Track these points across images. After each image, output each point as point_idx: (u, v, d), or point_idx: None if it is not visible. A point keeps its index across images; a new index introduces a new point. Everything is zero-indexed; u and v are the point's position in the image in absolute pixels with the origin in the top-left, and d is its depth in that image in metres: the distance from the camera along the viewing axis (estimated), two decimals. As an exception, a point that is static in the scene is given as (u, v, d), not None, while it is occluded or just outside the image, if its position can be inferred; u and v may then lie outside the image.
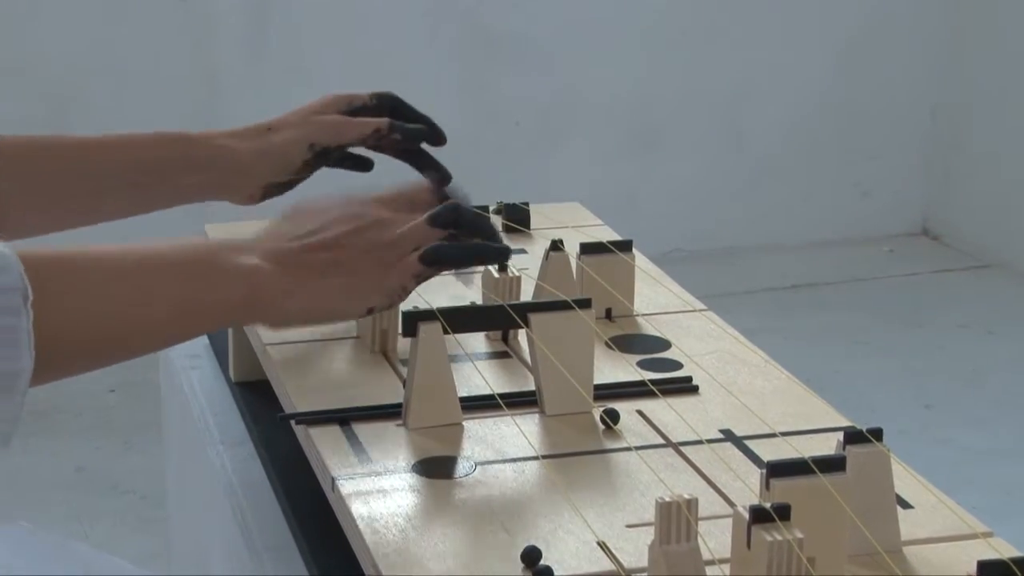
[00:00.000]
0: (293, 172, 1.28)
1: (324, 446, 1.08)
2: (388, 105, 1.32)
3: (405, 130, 1.29)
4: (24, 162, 1.21)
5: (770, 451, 1.07)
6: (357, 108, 1.31)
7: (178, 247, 1.04)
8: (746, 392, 1.18)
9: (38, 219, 1.24)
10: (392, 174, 1.26)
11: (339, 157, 1.31)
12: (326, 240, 1.07)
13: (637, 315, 1.32)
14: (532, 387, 1.15)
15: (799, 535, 0.86)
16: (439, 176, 1.29)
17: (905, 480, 1.01)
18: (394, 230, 1.09)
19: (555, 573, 0.92)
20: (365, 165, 1.34)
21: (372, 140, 1.28)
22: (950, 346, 3.55)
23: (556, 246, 1.29)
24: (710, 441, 1.09)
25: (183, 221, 1.66)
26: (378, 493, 1.02)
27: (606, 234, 1.47)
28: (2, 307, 0.90)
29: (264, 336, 1.26)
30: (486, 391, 1.16)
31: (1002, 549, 0.94)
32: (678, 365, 1.23)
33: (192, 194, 1.27)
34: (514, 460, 1.07)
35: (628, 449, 1.08)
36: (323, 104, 1.30)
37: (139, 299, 1.00)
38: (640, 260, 1.37)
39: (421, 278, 1.09)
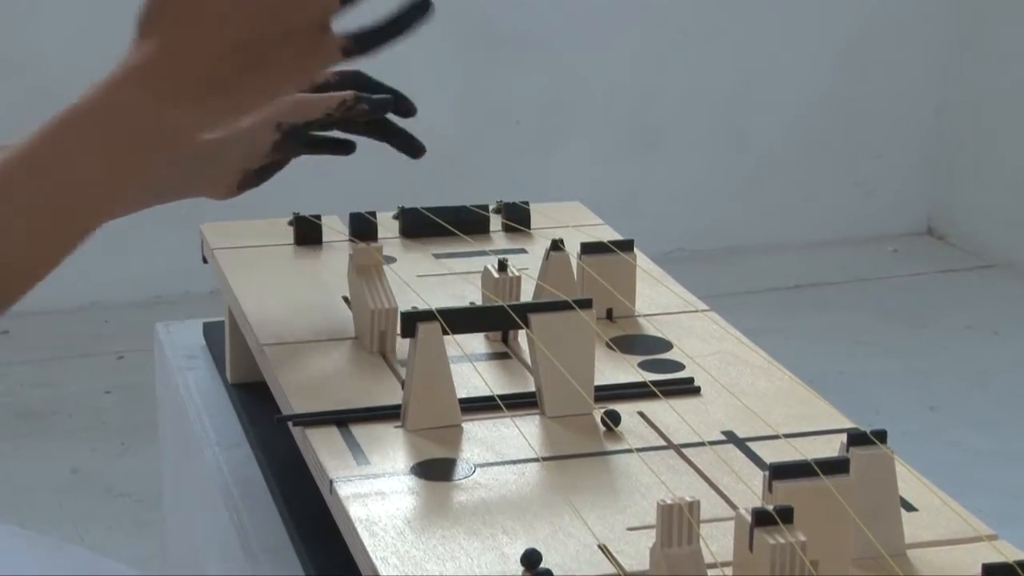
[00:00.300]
0: (264, 155, 1.26)
1: (321, 448, 1.08)
2: (352, 82, 1.30)
3: (371, 100, 1.27)
4: None
5: (773, 453, 1.07)
6: (320, 86, 1.29)
7: (47, 134, 0.92)
8: (748, 393, 1.18)
9: None
10: (368, 152, 1.26)
11: (315, 141, 1.30)
12: (240, 36, 0.94)
13: (638, 316, 1.32)
14: (532, 388, 1.15)
15: (802, 538, 0.86)
16: (412, 146, 1.28)
17: (909, 482, 1.01)
18: (304, 6, 0.97)
19: (555, 576, 0.92)
20: (345, 148, 1.32)
21: (339, 113, 1.26)
22: (955, 347, 3.55)
23: (556, 246, 1.28)
24: (712, 443, 1.09)
25: (179, 224, 1.66)
26: (376, 495, 1.02)
27: (607, 234, 1.47)
28: None
29: (261, 337, 1.26)
30: (486, 392, 1.16)
31: (1008, 552, 0.94)
32: (680, 366, 1.23)
33: (164, 190, 1.25)
34: (514, 462, 1.07)
35: (629, 451, 1.08)
36: None
37: (46, 190, 0.91)
38: (641, 260, 1.37)
39: (339, 59, 1.00)
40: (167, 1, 0.95)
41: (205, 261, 1.48)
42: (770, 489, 0.91)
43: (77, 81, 3.67)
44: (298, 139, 1.27)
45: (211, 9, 0.94)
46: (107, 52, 3.77)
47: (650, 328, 1.30)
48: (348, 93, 1.26)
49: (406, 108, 1.30)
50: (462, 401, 1.13)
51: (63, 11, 3.50)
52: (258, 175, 1.28)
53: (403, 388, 1.14)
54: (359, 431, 1.11)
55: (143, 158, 0.93)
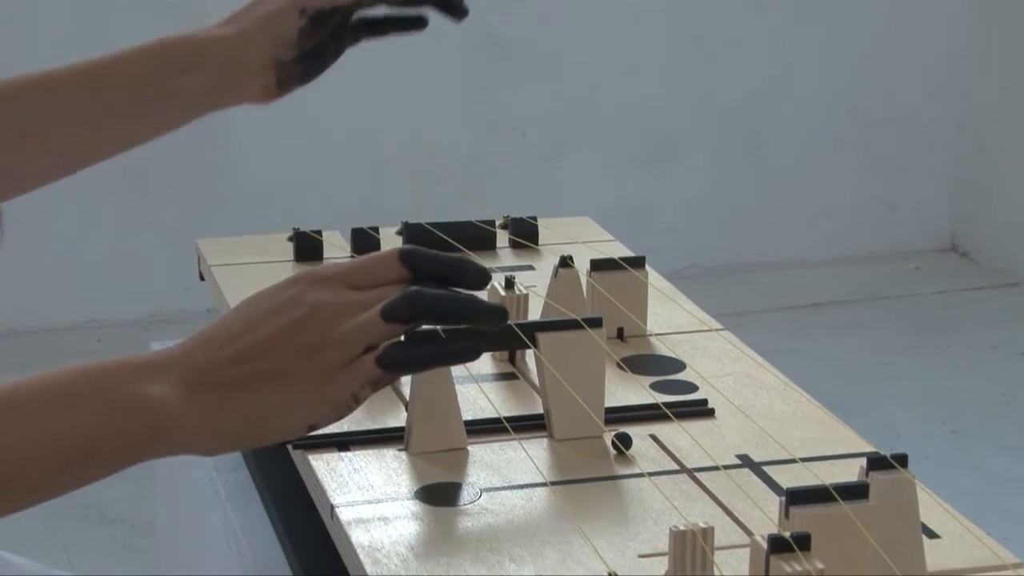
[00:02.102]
0: (292, 45, 1.19)
1: (322, 472, 1.09)
2: None
3: None
4: (10, 105, 1.15)
5: (789, 478, 1.08)
6: None
7: (67, 372, 0.91)
8: (764, 416, 1.18)
9: (32, 166, 1.17)
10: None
11: (374, 22, 1.23)
12: (253, 345, 0.92)
13: (650, 335, 1.33)
14: (540, 410, 1.16)
15: (820, 566, 0.87)
16: (451, 6, 1.23)
17: (931, 508, 1.02)
18: (341, 324, 0.92)
19: (564, 605, 0.92)
20: (416, 23, 1.25)
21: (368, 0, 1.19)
22: (980, 368, 3.54)
23: (565, 262, 1.29)
24: (727, 467, 1.10)
25: (176, 239, 1.66)
26: (379, 521, 1.02)
27: (618, 250, 1.48)
28: None
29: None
30: (492, 414, 1.16)
31: (1033, 581, 0.94)
32: (693, 387, 1.23)
33: (190, 101, 1.19)
34: (521, 487, 1.07)
35: (641, 475, 1.08)
36: None
37: (24, 440, 0.88)
38: (653, 277, 1.38)
39: (378, 384, 0.94)
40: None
41: (202, 278, 1.48)
42: (787, 515, 0.92)
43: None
44: (326, 24, 1.19)
45: (249, 309, 0.95)
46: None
47: (662, 348, 1.30)
48: None
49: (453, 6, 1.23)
50: (468, 423, 1.13)
51: (48, 15, 3.51)
52: (302, 70, 1.21)
53: (406, 410, 1.14)
54: (361, 455, 1.11)
55: (119, 439, 0.92)
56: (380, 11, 1.23)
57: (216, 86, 1.19)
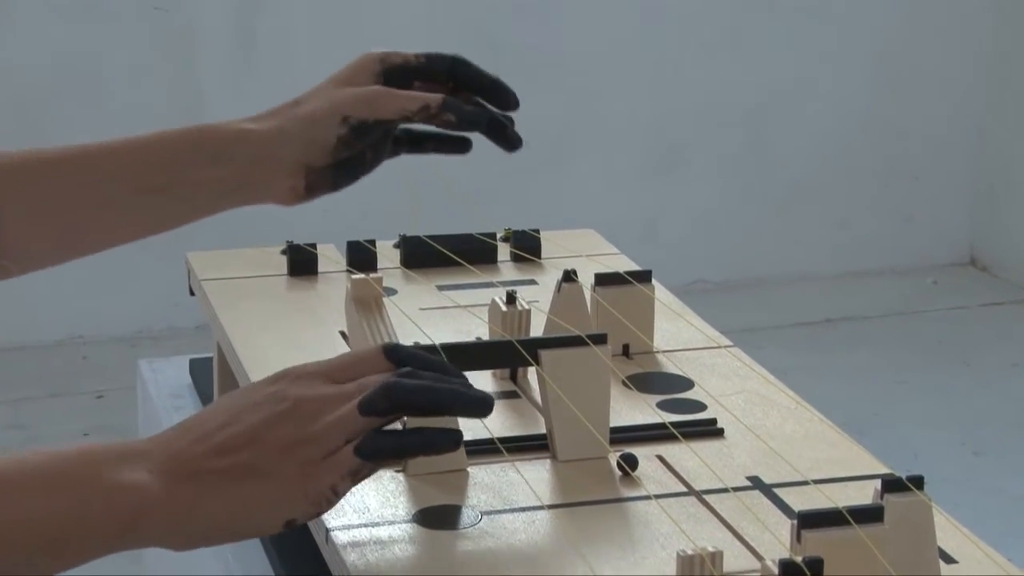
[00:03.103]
0: (328, 152, 1.16)
1: (317, 494, 1.09)
2: (443, 69, 1.20)
3: (463, 113, 1.17)
4: (26, 181, 1.14)
5: (802, 500, 1.08)
6: (398, 67, 1.19)
7: (43, 455, 0.93)
8: (775, 436, 1.18)
9: (44, 244, 1.17)
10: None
11: (417, 137, 1.22)
12: (232, 438, 0.95)
13: (657, 352, 1.33)
14: (543, 430, 1.16)
15: (833, 591, 0.87)
16: (507, 137, 1.21)
17: (949, 532, 1.02)
18: (321, 418, 0.96)
19: (568, 633, 0.92)
20: (460, 147, 1.24)
21: (418, 118, 1.17)
22: (1000, 386, 3.55)
23: (569, 277, 1.29)
24: (736, 489, 1.10)
25: (164, 252, 1.65)
26: (375, 545, 1.02)
27: (623, 264, 1.48)
28: None
29: (252, 375, 1.26)
30: (492, 434, 1.16)
31: (1054, 607, 0.94)
32: (701, 406, 1.23)
33: (215, 195, 1.17)
34: (523, 509, 1.07)
35: (647, 498, 1.09)
36: (359, 66, 1.19)
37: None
38: (660, 292, 1.38)
39: (358, 476, 0.97)
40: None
41: (192, 293, 1.49)
42: (798, 539, 0.92)
43: (48, 95, 3.69)
44: (367, 136, 1.17)
45: (231, 403, 0.98)
46: (81, 66, 3.76)
47: (669, 365, 1.30)
48: (435, 97, 1.16)
49: (506, 102, 1.21)
50: (467, 444, 1.14)
51: (32, 20, 3.52)
52: (333, 177, 1.19)
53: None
54: (357, 476, 1.11)
55: (135, 537, 0.94)
56: (426, 128, 1.21)
57: (242, 183, 1.17)
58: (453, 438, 1.00)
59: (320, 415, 0.96)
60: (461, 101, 1.18)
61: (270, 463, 0.95)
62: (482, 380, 1.26)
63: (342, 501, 1.07)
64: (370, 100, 1.16)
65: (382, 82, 1.19)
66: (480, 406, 1.00)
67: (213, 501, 0.94)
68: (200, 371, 1.52)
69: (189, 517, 0.94)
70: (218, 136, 1.17)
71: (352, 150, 1.18)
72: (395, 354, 1.01)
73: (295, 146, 1.16)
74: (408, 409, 0.98)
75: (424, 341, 1.16)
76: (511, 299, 1.27)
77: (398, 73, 1.19)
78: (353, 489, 1.07)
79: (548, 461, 1.14)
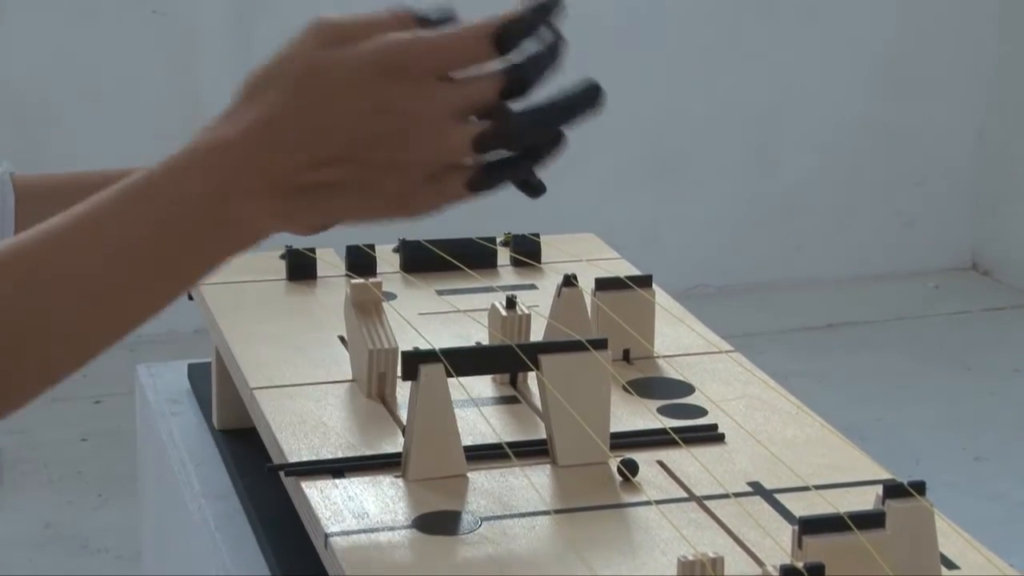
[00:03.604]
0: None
1: (316, 499, 1.09)
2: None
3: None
4: (39, 205, 1.16)
5: (803, 506, 1.08)
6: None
7: (138, 200, 0.91)
8: (777, 441, 1.18)
9: None
10: None
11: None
12: (334, 150, 0.89)
13: (657, 357, 1.33)
14: (543, 435, 1.16)
15: (834, 597, 0.87)
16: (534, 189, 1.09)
17: (951, 538, 1.02)
18: (430, 143, 0.90)
19: (568, 639, 0.92)
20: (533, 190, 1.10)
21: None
22: (1002, 391, 3.55)
23: (569, 281, 1.29)
24: (737, 495, 1.10)
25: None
26: (375, 551, 1.02)
27: (624, 268, 1.48)
28: None
29: (251, 380, 1.26)
30: (493, 439, 1.16)
31: (1057, 613, 0.94)
32: (702, 412, 1.23)
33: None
34: (523, 515, 1.07)
35: (648, 503, 1.09)
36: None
37: (103, 286, 0.90)
38: (661, 297, 1.38)
39: (463, 202, 0.94)
40: (285, 75, 0.91)
41: (190, 297, 1.49)
42: (800, 545, 0.92)
43: (47, 100, 3.68)
44: None
45: (328, 108, 0.90)
46: (79, 70, 3.76)
47: (670, 370, 1.31)
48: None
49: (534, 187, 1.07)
50: (467, 449, 1.14)
51: (30, 25, 3.52)
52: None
53: (404, 435, 1.14)
54: (356, 482, 1.11)
55: (198, 246, 0.93)
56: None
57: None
58: (551, 149, 0.97)
59: (429, 140, 0.90)
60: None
61: (372, 180, 0.90)
62: (482, 385, 1.26)
63: (341, 507, 1.07)
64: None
65: None
66: (593, 96, 0.99)
67: (313, 212, 0.91)
68: (199, 376, 1.52)
69: (295, 227, 0.92)
70: None
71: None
72: (504, 39, 0.93)
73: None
74: (520, 142, 0.94)
75: (424, 346, 1.16)
76: (511, 304, 1.27)
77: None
78: (352, 494, 1.07)
79: (548, 466, 1.14)
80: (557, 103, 0.97)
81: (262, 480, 1.22)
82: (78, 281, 0.91)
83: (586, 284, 1.31)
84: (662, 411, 1.23)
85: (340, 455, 1.14)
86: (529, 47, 0.96)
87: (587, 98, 0.99)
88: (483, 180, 0.93)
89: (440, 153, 0.91)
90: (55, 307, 0.90)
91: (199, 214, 0.91)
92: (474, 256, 1.49)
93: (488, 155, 0.94)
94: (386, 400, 1.24)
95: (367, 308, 1.25)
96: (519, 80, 0.94)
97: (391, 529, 1.05)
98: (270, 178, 0.90)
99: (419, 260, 1.49)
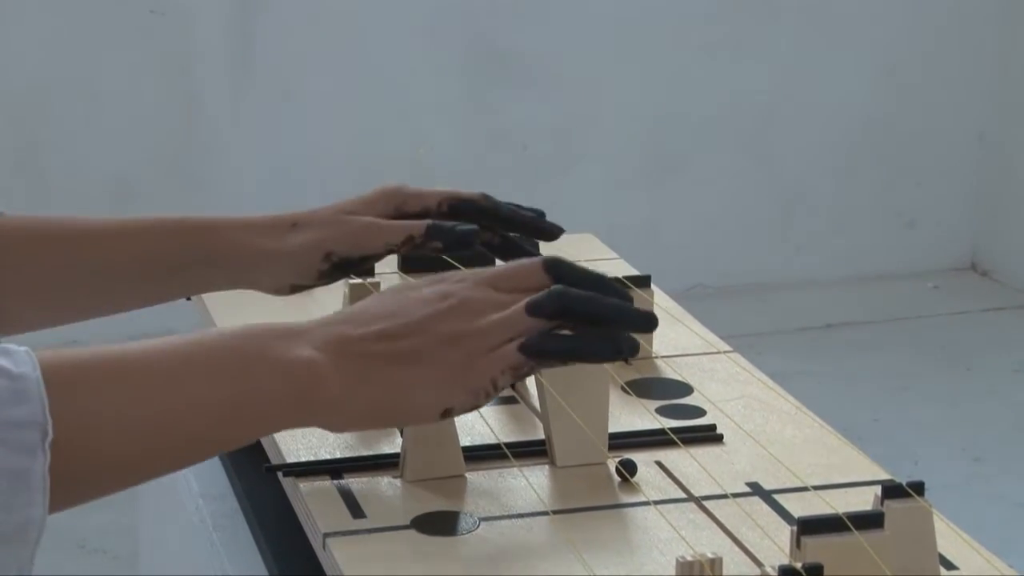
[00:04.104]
0: (313, 279, 1.20)
1: (314, 500, 1.09)
2: (470, 210, 1.23)
3: (449, 235, 1.19)
4: (24, 251, 1.19)
5: (801, 506, 1.08)
6: (415, 215, 1.21)
7: (215, 337, 0.97)
8: (775, 442, 1.18)
9: (36, 313, 1.22)
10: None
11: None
12: (399, 327, 0.98)
13: (656, 357, 1.33)
14: (541, 436, 1.16)
15: (833, 598, 0.87)
16: (542, 230, 1.26)
17: (949, 539, 1.02)
18: (486, 315, 0.99)
19: (566, 639, 0.92)
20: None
21: (406, 249, 1.19)
22: (1002, 392, 3.55)
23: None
24: (736, 495, 1.10)
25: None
26: (373, 552, 1.02)
27: (622, 268, 1.48)
28: (16, 445, 0.86)
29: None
30: (491, 440, 1.16)
31: (1055, 614, 0.94)
32: (701, 412, 1.24)
33: (208, 286, 1.24)
34: (521, 515, 1.07)
35: (646, 504, 1.09)
36: (372, 199, 1.22)
37: (170, 407, 0.93)
38: (659, 297, 1.38)
39: (519, 373, 0.99)
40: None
41: (188, 298, 1.49)
42: (798, 545, 0.92)
43: (43, 102, 3.67)
44: (352, 269, 1.21)
45: (400, 297, 1.00)
46: (75, 71, 3.75)
47: (669, 371, 1.31)
48: (418, 225, 1.19)
49: (549, 234, 1.27)
50: (465, 450, 1.14)
51: (25, 25, 3.52)
52: (320, 283, 1.23)
53: (402, 436, 1.14)
54: (355, 482, 1.11)
55: (303, 413, 0.97)
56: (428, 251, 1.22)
57: (236, 282, 1.23)
58: (615, 347, 1.01)
59: (485, 313, 0.99)
60: (448, 224, 1.20)
61: (434, 352, 0.97)
62: (480, 385, 1.26)
63: (339, 507, 1.07)
64: (356, 236, 1.19)
65: (393, 218, 1.21)
66: (645, 321, 1.03)
67: (377, 381, 0.97)
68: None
69: (353, 394, 0.96)
70: (221, 242, 1.20)
71: (336, 279, 1.22)
72: (555, 269, 1.02)
73: (283, 271, 1.20)
74: (575, 316, 1.00)
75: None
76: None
77: (413, 216, 1.22)
78: (350, 495, 1.07)
79: (547, 467, 1.14)
80: (611, 304, 1.02)
81: (260, 480, 1.22)
82: (158, 421, 0.93)
83: (585, 284, 1.31)
84: (661, 411, 1.23)
85: (338, 455, 1.15)
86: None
87: (637, 321, 1.03)
88: (535, 343, 0.98)
89: (494, 323, 0.99)
90: (112, 446, 0.92)
91: (273, 367, 0.95)
92: (473, 256, 1.49)
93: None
94: (384, 400, 1.24)
95: (365, 308, 1.25)
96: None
97: (389, 529, 1.05)
98: (337, 339, 0.97)
99: (417, 260, 1.48)
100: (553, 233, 1.26)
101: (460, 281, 1.01)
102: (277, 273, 1.21)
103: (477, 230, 1.20)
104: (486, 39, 3.77)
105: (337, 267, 1.20)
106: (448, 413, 0.98)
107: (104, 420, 0.91)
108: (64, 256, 1.20)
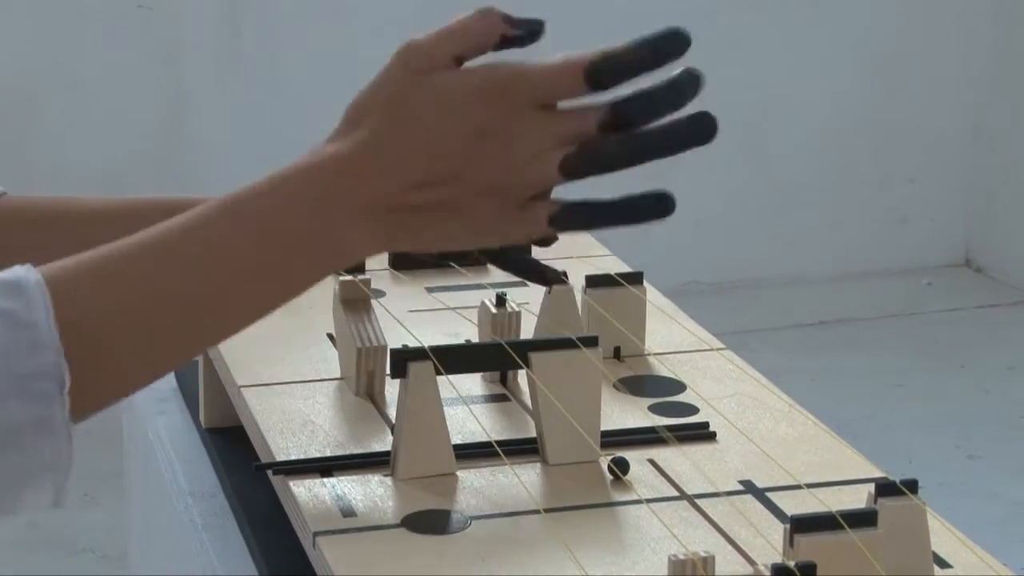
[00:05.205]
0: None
1: (304, 499, 1.09)
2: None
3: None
4: (25, 231, 1.20)
5: (794, 504, 1.08)
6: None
7: (240, 211, 0.95)
8: (768, 439, 1.18)
9: None
10: None
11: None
12: (437, 172, 0.93)
13: (648, 354, 1.33)
14: (533, 434, 1.16)
15: (826, 597, 0.87)
16: (549, 280, 1.22)
17: (943, 537, 1.02)
18: (528, 167, 0.93)
19: (558, 639, 0.92)
20: (541, 278, 1.22)
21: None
22: (995, 389, 3.55)
23: (559, 278, 1.29)
24: (729, 493, 1.10)
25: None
26: (363, 550, 1.02)
27: (615, 265, 1.48)
28: (34, 396, 0.88)
29: (238, 377, 1.26)
30: (482, 438, 1.16)
31: (1050, 613, 0.95)
32: (694, 410, 1.24)
33: None
34: (513, 514, 1.07)
35: (639, 502, 1.09)
36: None
37: (206, 295, 0.94)
38: (652, 294, 1.38)
39: (548, 241, 1.00)
40: (385, 100, 0.96)
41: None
42: (791, 543, 0.92)
43: (30, 95, 3.67)
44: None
45: (428, 130, 0.93)
46: (63, 64, 3.75)
47: (661, 368, 1.31)
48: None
49: (552, 279, 1.22)
50: (457, 447, 1.14)
51: (12, 18, 3.52)
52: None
53: (392, 433, 1.14)
54: (345, 480, 1.11)
55: (298, 260, 0.95)
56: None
57: None
58: (649, 210, 1.01)
59: (526, 162, 0.93)
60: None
61: (469, 204, 0.93)
62: (471, 383, 1.26)
63: (329, 506, 1.07)
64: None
65: None
66: (701, 125, 1.03)
67: (410, 232, 0.94)
68: (185, 374, 1.52)
69: (393, 246, 0.95)
70: None
71: None
72: (597, 77, 0.97)
73: None
74: (609, 170, 0.98)
75: (413, 344, 1.16)
76: (501, 301, 1.27)
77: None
78: (339, 494, 1.07)
79: (538, 465, 1.14)
80: (655, 131, 0.99)
81: (250, 479, 1.22)
82: (181, 289, 0.93)
83: (576, 281, 1.31)
84: (653, 409, 1.23)
85: (328, 453, 1.15)
86: (642, 83, 0.98)
87: (694, 127, 1.01)
88: (564, 217, 0.96)
89: (536, 178, 0.94)
90: (156, 316, 0.93)
91: (301, 229, 0.94)
92: (463, 253, 1.49)
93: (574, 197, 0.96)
94: (375, 398, 1.24)
95: (356, 305, 1.25)
96: (623, 115, 0.97)
97: (379, 528, 1.05)
98: (370, 199, 0.93)
99: (408, 257, 1.49)
100: (556, 281, 1.24)
101: (502, 103, 0.93)
102: None
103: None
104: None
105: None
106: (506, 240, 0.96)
107: (116, 313, 0.92)
108: (64, 236, 1.20)
